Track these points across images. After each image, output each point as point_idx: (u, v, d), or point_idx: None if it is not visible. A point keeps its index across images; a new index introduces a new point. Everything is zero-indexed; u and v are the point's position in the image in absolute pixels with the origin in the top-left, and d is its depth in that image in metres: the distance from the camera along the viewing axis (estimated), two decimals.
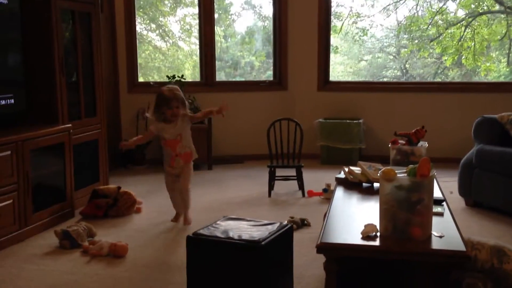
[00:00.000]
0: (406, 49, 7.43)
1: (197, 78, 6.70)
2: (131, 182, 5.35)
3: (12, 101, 3.93)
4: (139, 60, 6.49)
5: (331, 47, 6.74)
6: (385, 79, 7.43)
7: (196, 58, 6.86)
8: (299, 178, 4.92)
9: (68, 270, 3.21)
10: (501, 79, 6.88)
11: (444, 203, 2.73)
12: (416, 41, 7.41)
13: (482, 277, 2.70)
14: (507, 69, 6.96)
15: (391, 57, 7.69)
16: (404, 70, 7.55)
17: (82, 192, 4.49)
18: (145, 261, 3.34)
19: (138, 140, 4.11)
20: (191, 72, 7.07)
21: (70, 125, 4.27)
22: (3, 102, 3.84)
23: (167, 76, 6.30)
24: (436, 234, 2.25)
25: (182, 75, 6.26)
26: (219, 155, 6.40)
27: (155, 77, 6.95)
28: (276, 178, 4.97)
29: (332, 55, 6.77)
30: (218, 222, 2.85)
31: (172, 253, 3.43)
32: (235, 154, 6.55)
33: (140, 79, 6.54)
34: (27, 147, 3.74)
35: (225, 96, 6.53)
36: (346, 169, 3.28)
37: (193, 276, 2.67)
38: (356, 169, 3.24)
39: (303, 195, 4.88)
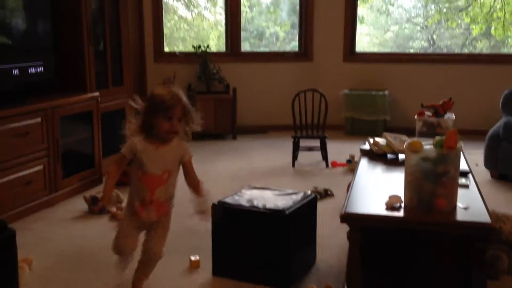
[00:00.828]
0: (432, 19, 7.27)
1: (222, 48, 6.69)
2: None
3: (42, 69, 3.99)
4: (165, 30, 6.50)
5: (357, 18, 6.65)
6: (411, 50, 7.30)
7: (221, 29, 6.84)
8: (323, 149, 4.93)
9: (96, 235, 3.31)
10: None
11: (470, 175, 2.72)
12: (445, 10, 7.25)
13: (506, 249, 2.71)
14: None
15: (418, 27, 7.55)
16: (431, 41, 7.41)
17: (110, 159, 4.57)
18: (172, 226, 3.40)
19: (109, 188, 2.43)
20: (216, 43, 7.05)
21: (98, 93, 4.33)
22: (33, 69, 3.91)
23: (193, 46, 6.32)
24: (461, 205, 2.25)
25: (208, 45, 6.26)
26: (243, 125, 6.43)
27: (180, 47, 6.95)
28: (300, 148, 4.99)
29: (358, 26, 6.67)
30: (242, 191, 2.89)
31: (198, 221, 3.49)
32: (259, 124, 6.58)
33: (166, 49, 6.56)
34: (57, 114, 3.82)
35: (250, 66, 6.54)
36: (371, 140, 3.27)
37: (219, 242, 2.73)
38: (381, 140, 3.23)
39: (327, 165, 4.90)
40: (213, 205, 2.71)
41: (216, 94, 6.19)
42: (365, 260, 2.37)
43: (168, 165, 2.40)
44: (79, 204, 3.80)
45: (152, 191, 2.39)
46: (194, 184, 2.46)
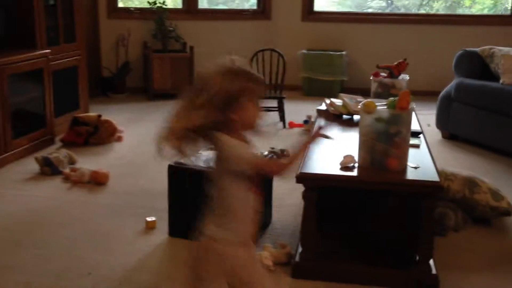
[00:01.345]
0: None
1: (179, 5, 6.53)
2: (111, 111, 5.32)
3: None
4: None
5: None
6: (370, 10, 7.31)
7: None
8: (281, 110, 4.94)
9: (49, 196, 3.25)
10: (485, 12, 6.83)
11: (421, 135, 2.78)
12: None
13: (453, 206, 2.81)
14: (492, 1, 6.89)
15: None
16: (389, 1, 7.42)
17: (62, 119, 4.46)
18: (126, 188, 3.39)
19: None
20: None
21: (49, 50, 4.18)
22: None
23: (148, 2, 6.14)
24: (411, 165, 2.31)
25: (164, 1, 6.10)
26: None
27: (136, 3, 6.74)
28: None
29: None
30: (200, 152, 2.87)
31: (153, 182, 3.48)
32: None
33: (120, 5, 6.35)
34: (4, 72, 3.67)
35: (208, 24, 6.41)
36: (328, 101, 3.29)
37: (175, 203, 2.72)
38: (337, 101, 3.25)
39: (284, 126, 4.92)
40: (169, 166, 2.69)
41: (173, 53, 6.07)
42: (321, 216, 2.42)
43: None
44: (30, 165, 3.71)
45: (260, 200, 1.69)
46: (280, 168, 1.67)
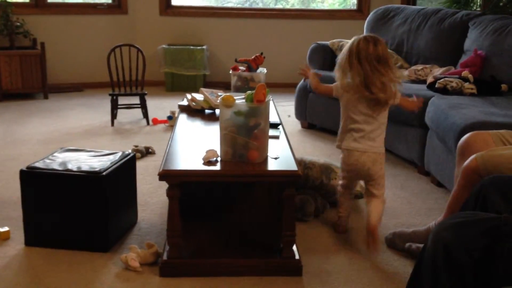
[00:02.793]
0: None
1: None
2: None
3: None
4: None
5: None
6: (230, 5, 7.41)
7: None
8: (143, 106, 4.84)
9: None
10: (335, 7, 7.26)
11: (280, 126, 2.88)
12: None
13: (312, 193, 2.96)
14: None
15: None
16: None
17: None
18: None
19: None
20: None
21: None
22: None
23: None
24: (272, 156, 2.38)
25: None
26: (55, 84, 6.01)
27: None
28: (119, 106, 4.83)
29: None
30: (55, 154, 2.71)
31: (5, 189, 3.22)
32: (74, 82, 6.20)
33: None
34: None
35: (60, 18, 6.08)
36: (189, 96, 3.28)
37: (30, 210, 2.54)
38: (199, 96, 3.25)
39: (148, 123, 4.83)
40: (21, 171, 2.51)
41: (22, 50, 5.65)
42: (187, 213, 2.41)
43: None
44: None
45: None
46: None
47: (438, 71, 4.10)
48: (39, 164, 2.56)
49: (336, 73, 2.56)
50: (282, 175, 2.26)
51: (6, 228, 2.65)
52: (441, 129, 3.16)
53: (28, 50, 5.66)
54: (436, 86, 3.70)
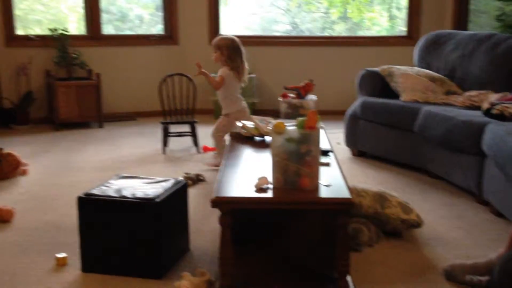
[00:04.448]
0: (293, 2, 7.51)
1: (83, 32, 6.35)
2: (14, 143, 5.05)
3: None
4: (18, 12, 6.02)
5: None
6: (276, 34, 7.50)
7: (82, 11, 6.48)
8: (193, 134, 4.91)
9: None
10: (383, 34, 7.22)
11: (331, 153, 2.85)
12: None
13: (366, 222, 2.90)
14: (389, 24, 7.31)
15: (281, 11, 7.76)
16: (294, 25, 7.66)
17: None
18: (34, 224, 3.20)
19: None
20: (77, 26, 6.67)
21: None
22: None
23: (49, 29, 5.93)
24: (323, 183, 2.36)
25: (66, 28, 5.92)
26: (110, 113, 6.19)
27: (36, 31, 6.48)
28: (170, 134, 4.92)
29: (222, 8, 6.69)
30: (110, 181, 2.78)
31: (62, 215, 3.31)
32: (127, 111, 6.38)
33: (19, 32, 6.08)
34: None
35: (114, 50, 6.29)
36: (240, 124, 3.31)
37: (86, 237, 2.60)
38: (249, 124, 3.28)
39: (198, 151, 4.89)
40: (79, 198, 2.58)
41: (79, 80, 5.88)
42: (239, 240, 2.40)
43: None
44: None
45: None
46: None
47: (493, 96, 4.00)
48: (95, 191, 2.62)
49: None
50: (334, 203, 2.23)
51: (63, 254, 2.72)
52: (500, 157, 3.06)
53: (84, 81, 5.88)
54: (493, 112, 3.60)
